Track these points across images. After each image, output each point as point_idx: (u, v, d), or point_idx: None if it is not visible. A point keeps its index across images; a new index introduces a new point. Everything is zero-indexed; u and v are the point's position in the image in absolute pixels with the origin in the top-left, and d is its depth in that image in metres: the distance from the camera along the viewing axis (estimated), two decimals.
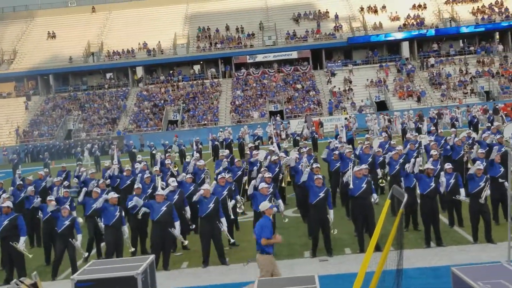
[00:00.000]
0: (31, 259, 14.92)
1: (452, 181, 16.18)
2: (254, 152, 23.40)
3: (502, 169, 16.34)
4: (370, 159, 20.32)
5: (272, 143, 35.85)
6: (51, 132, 60.78)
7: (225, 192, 16.59)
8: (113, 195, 15.07)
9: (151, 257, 8.45)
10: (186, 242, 15.83)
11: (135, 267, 7.80)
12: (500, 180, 16.14)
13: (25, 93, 69.00)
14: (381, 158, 20.59)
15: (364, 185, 15.17)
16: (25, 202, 18.88)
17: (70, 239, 14.45)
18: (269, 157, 22.34)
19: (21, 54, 70.96)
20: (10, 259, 14.72)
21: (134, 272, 7.62)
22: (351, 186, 15.44)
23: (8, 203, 15.54)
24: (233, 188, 17.41)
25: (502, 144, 20.48)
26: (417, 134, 27.44)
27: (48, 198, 16.29)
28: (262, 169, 19.06)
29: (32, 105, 66.26)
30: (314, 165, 17.50)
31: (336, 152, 20.91)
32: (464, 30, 65.28)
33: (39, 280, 8.93)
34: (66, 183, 21.70)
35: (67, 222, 14.62)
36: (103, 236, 15.29)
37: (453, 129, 28.22)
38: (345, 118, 50.41)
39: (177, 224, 14.97)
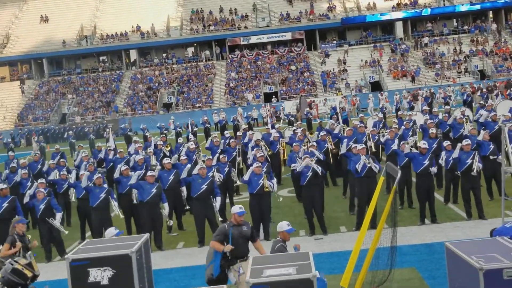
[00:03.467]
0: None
1: (450, 160, 16.17)
2: (249, 132, 23.36)
3: (491, 147, 16.47)
4: (364, 138, 20.30)
5: (267, 124, 35.87)
6: (46, 116, 60.62)
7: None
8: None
9: (146, 235, 8.47)
10: (171, 223, 16.05)
11: (130, 246, 7.81)
12: (491, 157, 16.25)
13: (19, 77, 68.74)
14: (376, 137, 20.58)
15: (368, 165, 15.09)
16: (19, 185, 18.91)
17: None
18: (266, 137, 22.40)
19: (14, 38, 70.55)
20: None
21: (129, 250, 7.63)
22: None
23: (4, 185, 15.60)
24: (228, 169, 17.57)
25: (496, 121, 20.49)
26: (411, 113, 27.40)
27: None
28: (254, 148, 19.11)
29: (26, 89, 66.01)
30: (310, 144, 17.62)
31: (324, 133, 20.70)
32: (461, 8, 64.97)
33: (34, 259, 8.97)
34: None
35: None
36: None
37: (446, 107, 28.23)
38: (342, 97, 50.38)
39: (166, 205, 15.28)
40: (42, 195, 15.18)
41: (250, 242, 10.03)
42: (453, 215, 15.78)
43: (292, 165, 16.63)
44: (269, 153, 20.97)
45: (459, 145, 15.64)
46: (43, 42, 68.66)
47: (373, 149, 19.38)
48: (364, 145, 16.02)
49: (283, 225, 9.83)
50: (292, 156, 17.77)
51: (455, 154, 15.47)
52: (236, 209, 10.04)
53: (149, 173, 15.54)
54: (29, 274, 8.09)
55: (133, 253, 7.58)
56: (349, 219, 15.86)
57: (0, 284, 8.01)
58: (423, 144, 15.90)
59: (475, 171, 15.06)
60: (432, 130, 18.81)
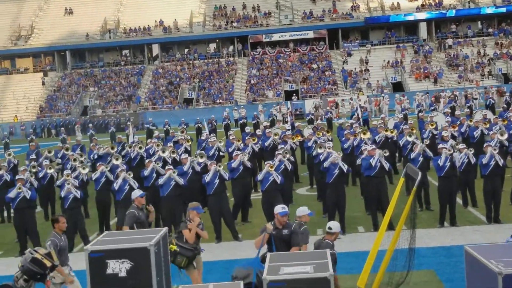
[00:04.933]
0: (45, 232, 15.11)
1: (465, 160, 16.04)
2: (267, 130, 23.37)
3: None
4: (383, 139, 20.32)
5: (286, 122, 35.87)
6: (67, 108, 61.08)
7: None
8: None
9: (164, 229, 8.49)
10: None
11: (148, 239, 7.85)
12: None
13: (42, 69, 69.32)
14: (395, 138, 20.57)
15: (377, 164, 15.14)
16: (40, 178, 19.08)
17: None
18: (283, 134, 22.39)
19: (38, 30, 71.15)
20: (25, 233, 14.94)
21: (147, 243, 7.66)
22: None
23: (22, 176, 15.78)
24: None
25: None
26: (432, 114, 27.26)
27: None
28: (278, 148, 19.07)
29: (49, 81, 66.57)
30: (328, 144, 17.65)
31: (348, 131, 20.87)
32: (486, 10, 64.35)
33: (53, 250, 9.03)
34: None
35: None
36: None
37: (467, 110, 28.07)
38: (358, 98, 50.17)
39: None
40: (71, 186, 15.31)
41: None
42: (473, 218, 15.67)
43: (325, 164, 16.25)
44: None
45: (489, 149, 15.22)
46: (67, 35, 69.16)
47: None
48: (374, 146, 16.05)
49: (304, 210, 9.95)
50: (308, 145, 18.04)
51: (486, 159, 15.14)
52: (278, 208, 9.60)
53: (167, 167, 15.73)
54: (48, 264, 8.14)
55: (152, 246, 7.60)
56: (367, 219, 15.80)
57: (20, 272, 8.07)
58: (442, 144, 15.87)
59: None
60: (446, 133, 18.74)
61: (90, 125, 45.42)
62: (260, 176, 14.96)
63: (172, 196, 15.07)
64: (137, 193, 11.71)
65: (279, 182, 14.90)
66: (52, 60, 70.19)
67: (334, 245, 9.49)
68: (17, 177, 15.91)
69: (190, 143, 22.76)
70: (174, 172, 15.43)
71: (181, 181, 15.40)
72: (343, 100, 52.53)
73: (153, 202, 16.01)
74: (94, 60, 70.77)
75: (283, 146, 19.24)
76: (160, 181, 15.31)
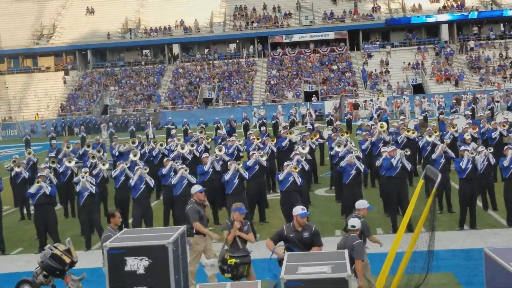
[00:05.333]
0: (65, 229, 15.26)
1: (485, 163, 15.90)
2: (283, 131, 23.37)
3: None
4: (405, 140, 20.30)
5: (306, 123, 35.82)
6: (88, 106, 61.49)
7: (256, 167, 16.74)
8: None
9: (182, 227, 8.53)
10: None
11: (167, 237, 7.88)
12: None
13: (63, 67, 69.86)
14: (416, 139, 20.50)
15: (399, 165, 15.09)
16: (60, 174, 19.23)
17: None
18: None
19: (60, 29, 71.71)
20: (45, 229, 15.06)
21: (166, 241, 7.70)
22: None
23: (43, 173, 15.92)
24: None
25: None
26: (452, 116, 27.09)
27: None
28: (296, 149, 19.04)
29: (70, 80, 67.06)
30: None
31: (366, 132, 20.85)
32: (508, 13, 63.62)
33: (72, 246, 9.10)
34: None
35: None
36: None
37: (487, 112, 27.87)
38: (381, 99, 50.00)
39: None
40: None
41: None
42: (493, 221, 15.53)
43: (341, 163, 16.09)
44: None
45: (510, 151, 14.93)
46: (88, 34, 69.63)
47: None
48: (394, 147, 15.99)
49: (364, 203, 10.47)
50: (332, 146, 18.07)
51: (507, 161, 14.93)
52: (298, 210, 9.45)
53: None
54: (67, 260, 8.23)
55: (170, 244, 7.64)
56: (386, 220, 15.72)
57: (39, 268, 8.15)
58: (464, 146, 15.77)
59: None
60: (467, 135, 18.61)
61: (110, 123, 45.67)
62: (281, 176, 14.91)
63: (186, 195, 15.05)
64: (196, 188, 11.68)
65: (299, 184, 14.88)
66: (74, 59, 70.71)
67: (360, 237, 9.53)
68: (39, 174, 16.03)
69: (209, 140, 22.84)
70: (186, 170, 15.43)
71: (194, 179, 15.41)
72: (365, 101, 52.28)
73: (171, 201, 16.14)
74: (115, 60, 71.18)
75: (303, 144, 19.12)
76: (173, 180, 15.31)
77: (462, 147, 16.03)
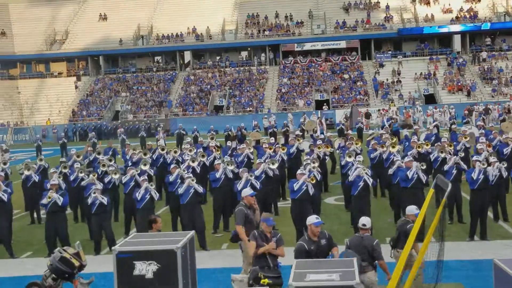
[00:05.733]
0: (74, 233, 15.30)
1: (496, 174, 15.84)
2: (290, 138, 23.44)
3: None
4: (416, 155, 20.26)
5: (316, 131, 35.79)
6: (99, 112, 61.73)
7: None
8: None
9: (191, 233, 8.53)
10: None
11: (176, 241, 7.89)
12: None
13: (75, 73, 70.21)
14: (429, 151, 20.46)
15: (414, 176, 15.07)
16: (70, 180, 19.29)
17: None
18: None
19: (73, 34, 72.10)
20: (55, 233, 15.11)
21: (174, 246, 7.70)
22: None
23: (56, 181, 15.98)
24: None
25: None
26: (465, 127, 27.01)
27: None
28: (305, 158, 19.05)
29: (82, 85, 67.37)
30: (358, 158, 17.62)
31: (375, 141, 20.83)
32: None
33: (82, 250, 9.09)
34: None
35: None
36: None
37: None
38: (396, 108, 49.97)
39: None
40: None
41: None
42: (503, 233, 15.43)
43: (350, 177, 16.03)
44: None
45: None
46: (101, 40, 69.97)
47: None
48: (411, 158, 15.95)
49: (412, 209, 10.56)
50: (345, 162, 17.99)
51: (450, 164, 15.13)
52: (312, 219, 9.32)
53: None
54: (77, 264, 8.19)
55: (178, 249, 7.64)
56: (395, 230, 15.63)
57: (49, 271, 8.14)
58: (476, 157, 15.71)
59: None
60: (480, 146, 18.53)
61: (122, 129, 45.82)
62: (295, 186, 14.86)
63: (192, 204, 15.10)
64: (247, 191, 11.64)
65: (311, 193, 14.87)
66: (86, 65, 71.04)
67: None
68: (51, 182, 16.03)
69: (219, 152, 22.88)
70: (192, 180, 15.44)
71: (200, 189, 15.41)
72: (378, 110, 52.03)
73: (177, 208, 16.16)
74: (127, 66, 71.46)
75: (313, 158, 19.14)
76: (180, 190, 15.32)
77: (474, 158, 15.96)
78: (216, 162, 17.91)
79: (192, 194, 15.14)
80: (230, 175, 17.30)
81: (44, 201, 15.19)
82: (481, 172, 14.94)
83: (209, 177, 17.47)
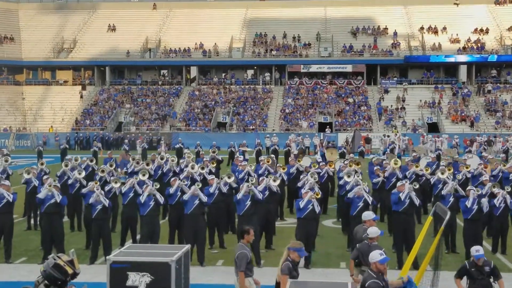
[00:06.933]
0: (70, 242, 15.22)
1: (502, 205, 15.80)
2: (290, 158, 23.56)
3: None
4: (414, 176, 20.24)
5: (316, 153, 35.80)
6: (102, 122, 61.80)
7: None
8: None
9: (187, 246, 8.49)
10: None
11: (170, 254, 7.85)
12: None
13: (81, 82, 70.42)
14: (429, 177, 20.41)
15: (407, 201, 15.01)
16: (68, 186, 19.23)
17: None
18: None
19: (81, 44, 72.43)
20: (51, 238, 15.04)
21: (169, 259, 7.66)
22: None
23: (58, 184, 15.96)
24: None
25: None
26: (466, 156, 27.00)
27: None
28: (306, 176, 19.01)
29: (87, 95, 67.52)
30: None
31: (379, 167, 20.77)
32: None
33: (76, 258, 9.05)
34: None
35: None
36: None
37: (503, 155, 27.75)
38: (395, 134, 49.96)
39: None
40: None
41: None
42: (500, 265, 15.29)
43: (349, 194, 16.04)
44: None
45: None
46: (108, 51, 70.27)
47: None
48: (404, 182, 15.93)
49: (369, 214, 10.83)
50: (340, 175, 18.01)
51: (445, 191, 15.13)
52: (376, 256, 8.41)
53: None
54: (70, 271, 8.13)
55: (173, 262, 7.61)
56: (393, 256, 15.56)
57: (41, 277, 8.10)
58: (470, 186, 15.66)
59: None
60: (486, 177, 18.48)
61: (126, 141, 45.94)
62: (301, 204, 14.79)
63: (195, 215, 15.00)
64: (370, 215, 11.59)
65: (317, 212, 14.84)
66: (92, 75, 71.29)
67: None
68: (52, 185, 15.94)
69: (214, 164, 22.90)
70: (197, 186, 15.37)
71: (205, 198, 15.32)
72: (384, 135, 51.88)
73: (178, 221, 16.07)
74: (133, 78, 71.69)
75: (306, 176, 19.16)
76: (185, 196, 15.20)
77: (468, 187, 15.93)
78: (209, 177, 17.77)
79: (197, 205, 15.02)
80: (224, 191, 17.21)
81: (41, 194, 15.11)
82: (475, 202, 14.91)
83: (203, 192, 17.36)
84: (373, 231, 10.52)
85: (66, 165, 20.64)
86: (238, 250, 9.99)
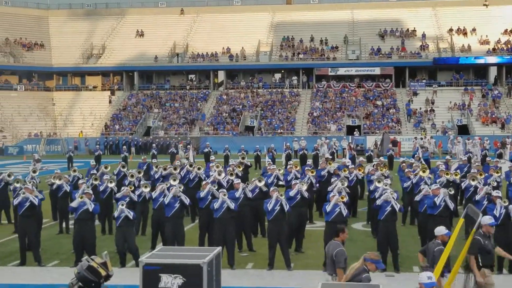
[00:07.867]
0: (100, 246, 15.36)
1: None
2: (321, 161, 23.51)
3: None
4: (445, 182, 20.06)
5: (345, 156, 35.67)
6: (131, 127, 62.31)
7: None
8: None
9: (218, 249, 8.54)
10: None
11: (202, 256, 7.90)
12: None
13: (110, 87, 71.12)
14: (457, 181, 20.25)
15: (442, 204, 14.94)
16: (100, 193, 19.44)
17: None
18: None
19: (110, 49, 73.15)
20: (82, 244, 15.17)
21: (201, 261, 7.71)
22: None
23: (90, 191, 16.12)
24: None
25: None
26: (497, 160, 26.69)
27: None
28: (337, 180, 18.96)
29: (116, 100, 68.15)
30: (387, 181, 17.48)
31: (410, 169, 20.70)
32: None
33: (109, 260, 9.15)
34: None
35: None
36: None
37: None
38: (421, 138, 49.55)
39: None
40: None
41: None
42: None
43: (377, 201, 16.05)
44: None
45: None
46: (136, 56, 70.85)
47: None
48: (438, 185, 15.81)
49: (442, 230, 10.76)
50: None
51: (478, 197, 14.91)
52: (424, 278, 8.14)
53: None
54: (103, 273, 8.25)
55: (205, 264, 7.65)
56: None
57: (75, 279, 8.22)
58: (496, 193, 15.43)
59: None
60: None
61: (154, 145, 46.31)
62: (328, 207, 14.77)
63: (225, 219, 15.04)
64: (487, 220, 11.39)
65: (344, 215, 14.80)
66: (120, 80, 71.96)
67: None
68: (85, 191, 16.11)
69: (241, 168, 22.98)
70: (224, 195, 15.43)
71: (232, 205, 15.34)
72: (415, 138, 51.33)
73: (208, 224, 16.14)
74: (161, 82, 72.16)
75: (336, 178, 19.17)
76: (216, 204, 15.26)
77: (494, 193, 15.72)
78: (235, 181, 17.81)
79: (225, 209, 15.09)
80: (250, 195, 17.21)
81: (74, 203, 15.29)
82: (502, 208, 14.73)
83: (228, 196, 17.39)
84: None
85: (124, 167, 21.37)
86: (334, 247, 10.28)
